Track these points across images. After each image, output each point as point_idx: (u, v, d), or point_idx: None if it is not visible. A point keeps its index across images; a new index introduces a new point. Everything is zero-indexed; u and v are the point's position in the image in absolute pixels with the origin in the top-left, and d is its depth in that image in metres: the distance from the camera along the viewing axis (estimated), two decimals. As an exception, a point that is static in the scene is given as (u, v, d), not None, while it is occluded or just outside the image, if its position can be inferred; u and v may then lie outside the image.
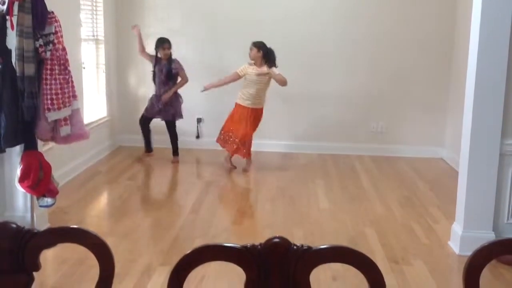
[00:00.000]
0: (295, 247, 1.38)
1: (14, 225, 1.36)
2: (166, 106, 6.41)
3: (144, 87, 7.11)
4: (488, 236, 3.83)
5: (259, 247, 1.38)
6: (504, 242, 1.59)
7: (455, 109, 6.39)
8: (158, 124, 6.59)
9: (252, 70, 5.98)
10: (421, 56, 7.03)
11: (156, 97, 6.41)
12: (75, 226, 1.45)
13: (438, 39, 6.97)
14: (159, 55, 6.38)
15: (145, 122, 6.54)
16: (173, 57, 6.39)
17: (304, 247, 1.38)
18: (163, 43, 6.33)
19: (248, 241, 1.41)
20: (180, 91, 6.48)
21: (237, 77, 6.09)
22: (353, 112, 7.19)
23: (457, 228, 4.13)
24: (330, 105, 7.19)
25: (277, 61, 5.97)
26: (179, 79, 6.41)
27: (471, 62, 4.00)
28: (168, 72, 6.34)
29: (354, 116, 7.20)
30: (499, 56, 3.85)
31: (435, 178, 6.20)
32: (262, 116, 6.19)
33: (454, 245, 4.12)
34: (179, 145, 6.64)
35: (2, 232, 1.34)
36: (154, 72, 6.40)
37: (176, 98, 6.45)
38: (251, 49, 5.97)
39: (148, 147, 6.65)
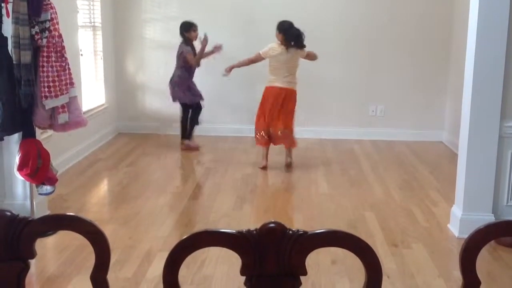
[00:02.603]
0: (290, 231, 1.37)
1: (8, 213, 1.36)
2: (195, 90, 6.40)
3: (142, 73, 7.09)
4: (487, 218, 3.83)
5: (254, 232, 1.37)
6: (501, 224, 1.58)
7: (455, 92, 6.37)
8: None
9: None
10: (420, 39, 6.99)
11: (192, 81, 6.37)
12: (70, 214, 1.44)
13: (436, 22, 6.94)
14: (190, 39, 6.28)
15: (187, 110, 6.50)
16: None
17: (300, 232, 1.38)
18: (191, 25, 6.28)
19: (248, 227, 1.41)
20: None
21: (259, 58, 5.73)
22: (352, 96, 7.18)
23: (457, 211, 4.13)
24: (328, 90, 7.17)
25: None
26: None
27: (469, 45, 3.98)
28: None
29: (353, 100, 7.18)
30: (498, 38, 3.83)
31: (435, 162, 6.20)
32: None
33: (454, 228, 4.13)
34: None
35: (-4, 220, 1.34)
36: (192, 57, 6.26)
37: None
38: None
39: (184, 134, 6.57)
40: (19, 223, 1.36)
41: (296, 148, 6.00)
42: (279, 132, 5.66)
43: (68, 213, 1.42)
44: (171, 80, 6.36)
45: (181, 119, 6.52)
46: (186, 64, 6.24)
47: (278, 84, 5.64)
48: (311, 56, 5.79)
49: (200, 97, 6.42)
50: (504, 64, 3.85)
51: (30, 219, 1.37)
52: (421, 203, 4.79)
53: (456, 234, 4.06)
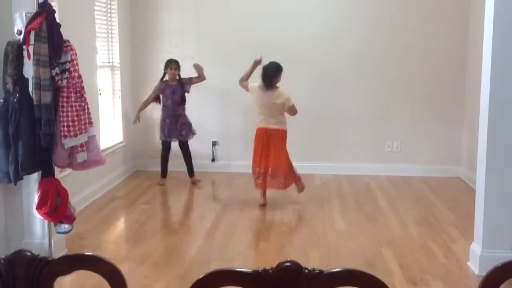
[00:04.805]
0: (306, 270, 1.38)
1: (28, 253, 1.38)
2: (183, 127, 6.51)
3: (159, 111, 7.17)
4: (507, 256, 3.75)
5: (270, 271, 1.38)
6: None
7: (471, 127, 6.35)
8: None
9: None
10: (434, 74, 7.02)
11: (171, 120, 6.49)
12: (89, 253, 1.46)
13: (451, 57, 6.98)
14: (166, 77, 6.50)
15: (167, 147, 6.64)
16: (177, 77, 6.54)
17: (316, 271, 1.39)
18: (170, 63, 6.46)
19: (264, 265, 1.42)
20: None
21: (245, 86, 5.78)
22: (368, 132, 7.18)
23: (476, 248, 4.08)
24: (344, 125, 7.19)
25: (282, 80, 5.70)
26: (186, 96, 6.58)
27: (484, 80, 3.99)
28: (183, 95, 6.47)
29: (369, 135, 7.18)
30: (513, 73, 3.84)
31: (453, 197, 6.15)
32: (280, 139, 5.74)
33: (473, 266, 4.07)
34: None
35: (17, 260, 1.36)
36: (164, 95, 6.48)
37: (187, 118, 6.57)
38: None
39: (165, 173, 6.70)
40: (39, 263, 1.39)
41: (311, 184, 5.97)
42: (269, 170, 5.63)
43: (86, 253, 1.44)
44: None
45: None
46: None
47: (262, 125, 5.68)
48: (292, 111, 5.66)
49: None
50: (519, 99, 3.85)
51: (49, 259, 1.39)
52: (439, 240, 4.73)
53: (476, 271, 4.00)
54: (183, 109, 6.56)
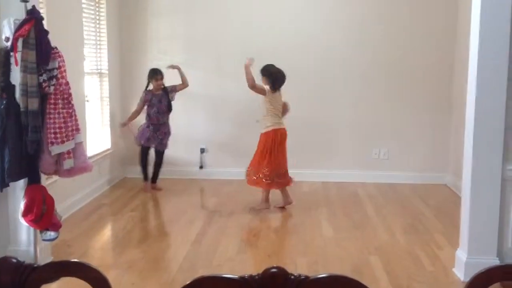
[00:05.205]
0: (292, 277, 1.38)
1: (14, 260, 1.38)
2: (164, 136, 6.54)
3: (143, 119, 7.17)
4: (492, 262, 3.80)
5: (257, 277, 1.39)
6: (503, 268, 1.59)
7: (458, 135, 6.41)
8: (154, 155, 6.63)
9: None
10: (422, 83, 7.09)
11: (154, 127, 6.49)
12: (75, 260, 1.46)
13: (438, 67, 7.05)
14: (150, 87, 6.49)
15: (147, 152, 6.63)
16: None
17: (302, 277, 1.39)
18: (155, 74, 6.44)
19: (252, 272, 1.43)
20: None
21: (262, 92, 5.74)
22: (355, 139, 7.23)
23: (462, 254, 4.11)
24: (332, 133, 7.23)
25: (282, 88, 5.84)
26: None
27: (470, 89, 4.03)
28: (169, 103, 6.46)
29: (357, 143, 7.23)
30: (498, 82, 3.88)
31: (439, 205, 6.19)
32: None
33: (459, 272, 4.10)
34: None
35: (2, 267, 1.36)
36: (150, 104, 6.48)
37: (169, 127, 6.60)
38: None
39: (147, 176, 6.69)
40: (25, 270, 1.38)
41: (299, 191, 5.96)
42: (284, 170, 5.87)
43: (73, 260, 1.43)
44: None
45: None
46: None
47: (279, 126, 5.81)
48: (286, 108, 5.96)
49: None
50: (505, 108, 3.89)
51: (35, 266, 1.39)
52: (426, 247, 4.76)
53: (462, 278, 4.02)
54: (167, 118, 6.56)
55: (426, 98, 7.11)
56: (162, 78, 6.47)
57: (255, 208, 5.86)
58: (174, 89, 6.54)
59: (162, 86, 6.50)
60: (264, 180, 5.76)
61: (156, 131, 6.52)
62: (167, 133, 6.59)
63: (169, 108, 6.52)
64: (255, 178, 5.79)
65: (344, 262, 4.43)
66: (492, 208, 3.97)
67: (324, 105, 7.21)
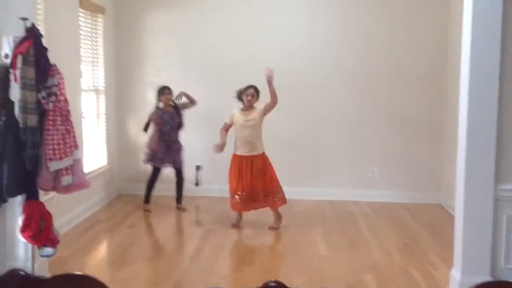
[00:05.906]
0: (292, 291, 1.42)
1: (22, 272, 1.41)
2: (177, 153, 6.57)
3: (144, 135, 7.20)
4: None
5: (257, 291, 1.42)
6: (489, 285, 1.63)
7: (451, 155, 6.46)
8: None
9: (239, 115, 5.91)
10: (414, 103, 7.17)
11: (166, 145, 6.51)
12: (81, 273, 1.49)
13: (430, 85, 7.13)
14: (160, 105, 6.51)
15: (158, 173, 6.63)
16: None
17: (301, 291, 1.43)
18: (164, 89, 6.50)
19: (248, 288, 1.46)
20: (180, 138, 6.63)
21: (227, 126, 5.98)
22: (349, 159, 7.28)
23: (456, 274, 4.13)
24: (326, 152, 7.28)
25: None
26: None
27: (462, 109, 4.08)
28: (181, 119, 6.56)
29: (351, 162, 7.28)
30: (490, 101, 3.91)
31: (433, 224, 6.23)
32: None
33: (453, 291, 4.12)
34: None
35: (11, 279, 1.38)
36: (162, 121, 6.47)
37: (181, 143, 6.63)
38: (252, 95, 5.86)
39: (149, 199, 6.69)
40: (32, 282, 1.41)
41: (294, 210, 5.98)
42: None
43: (78, 273, 1.47)
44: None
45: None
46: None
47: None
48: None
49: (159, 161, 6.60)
50: (496, 127, 3.94)
51: (42, 278, 1.42)
52: (420, 266, 4.79)
53: (456, 297, 4.05)
54: (178, 135, 6.60)
55: (419, 117, 7.18)
56: (170, 93, 6.52)
57: (273, 226, 5.93)
58: (184, 106, 6.58)
59: (172, 103, 6.54)
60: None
61: (168, 149, 6.54)
62: (179, 149, 6.60)
63: (180, 126, 6.57)
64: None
65: (339, 281, 4.45)
66: (485, 228, 4.00)
67: (318, 124, 7.27)
